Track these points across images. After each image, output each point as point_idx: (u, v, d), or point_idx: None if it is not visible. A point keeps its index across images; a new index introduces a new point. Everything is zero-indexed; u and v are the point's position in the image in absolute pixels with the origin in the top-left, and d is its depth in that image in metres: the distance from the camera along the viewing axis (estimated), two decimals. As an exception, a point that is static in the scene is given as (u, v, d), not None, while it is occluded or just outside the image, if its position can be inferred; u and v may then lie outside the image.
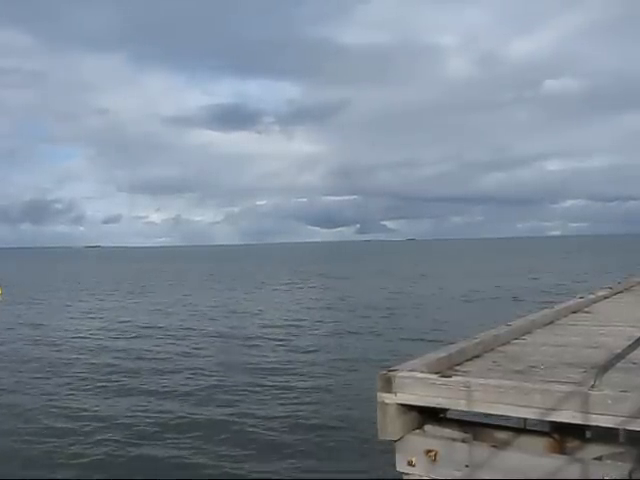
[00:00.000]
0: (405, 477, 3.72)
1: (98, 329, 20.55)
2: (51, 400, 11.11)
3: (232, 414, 9.87)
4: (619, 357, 3.43)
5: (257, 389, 11.44)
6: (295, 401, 10.58)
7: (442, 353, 4.36)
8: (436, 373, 3.88)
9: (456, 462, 3.53)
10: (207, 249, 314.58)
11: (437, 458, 3.58)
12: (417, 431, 3.77)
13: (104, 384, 12.25)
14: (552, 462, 3.31)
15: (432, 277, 43.92)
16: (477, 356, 4.64)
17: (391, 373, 3.77)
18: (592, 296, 8.30)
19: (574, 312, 7.05)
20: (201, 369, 13.44)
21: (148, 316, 23.65)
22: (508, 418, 3.57)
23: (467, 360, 4.48)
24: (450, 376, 3.80)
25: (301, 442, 8.45)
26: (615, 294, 8.97)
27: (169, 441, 8.65)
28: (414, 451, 3.66)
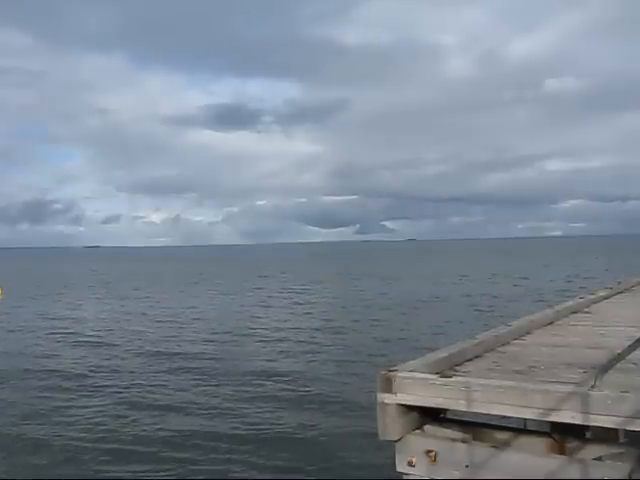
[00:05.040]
0: (405, 477, 3.72)
1: (95, 329, 20.55)
2: (48, 400, 11.12)
3: (230, 415, 9.87)
4: (619, 357, 3.43)
5: (255, 391, 11.41)
6: (294, 402, 10.57)
7: (442, 353, 4.36)
8: (436, 373, 3.88)
9: (456, 462, 3.53)
10: (207, 249, 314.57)
11: (437, 458, 3.58)
12: (417, 431, 3.77)
13: (102, 385, 12.26)
14: (552, 462, 3.30)
15: (432, 278, 43.86)
16: (477, 356, 4.64)
17: (391, 373, 3.77)
18: (592, 296, 8.30)
19: (574, 312, 7.05)
20: (199, 372, 13.43)
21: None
22: (508, 418, 3.56)
23: (467, 360, 4.48)
24: (450, 376, 3.80)
25: (301, 442, 8.46)
26: (615, 294, 8.96)
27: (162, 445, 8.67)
28: (414, 451, 3.66)
